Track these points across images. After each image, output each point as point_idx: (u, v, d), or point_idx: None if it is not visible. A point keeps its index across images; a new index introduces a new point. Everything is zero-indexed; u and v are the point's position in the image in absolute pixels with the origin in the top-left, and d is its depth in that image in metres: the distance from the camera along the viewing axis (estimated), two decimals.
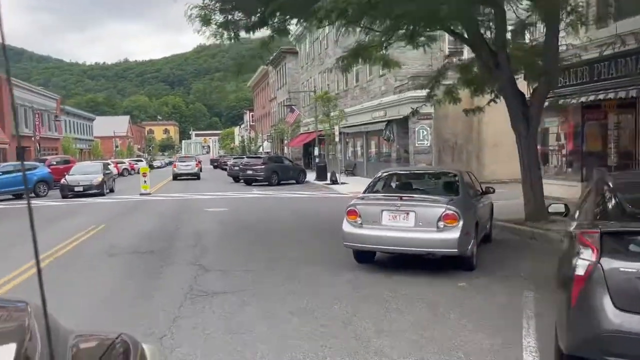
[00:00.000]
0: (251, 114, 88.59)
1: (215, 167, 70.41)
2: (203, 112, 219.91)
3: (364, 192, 9.20)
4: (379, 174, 9.91)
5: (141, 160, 62.22)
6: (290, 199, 22.24)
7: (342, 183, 28.07)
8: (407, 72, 27.37)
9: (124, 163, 51.97)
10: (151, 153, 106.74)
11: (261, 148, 68.69)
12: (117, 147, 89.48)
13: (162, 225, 14.30)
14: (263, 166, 30.11)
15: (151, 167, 71.04)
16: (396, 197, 8.22)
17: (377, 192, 9.22)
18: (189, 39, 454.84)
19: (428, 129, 25.56)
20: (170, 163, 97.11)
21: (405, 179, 10.01)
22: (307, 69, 46.73)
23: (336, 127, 27.46)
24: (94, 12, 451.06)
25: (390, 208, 7.99)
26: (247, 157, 32.39)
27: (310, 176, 33.76)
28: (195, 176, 38.64)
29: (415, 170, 10.79)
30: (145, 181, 25.10)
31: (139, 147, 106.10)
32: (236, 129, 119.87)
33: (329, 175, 32.88)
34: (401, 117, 26.24)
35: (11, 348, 1.54)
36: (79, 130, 68.18)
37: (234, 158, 37.22)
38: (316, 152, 33.26)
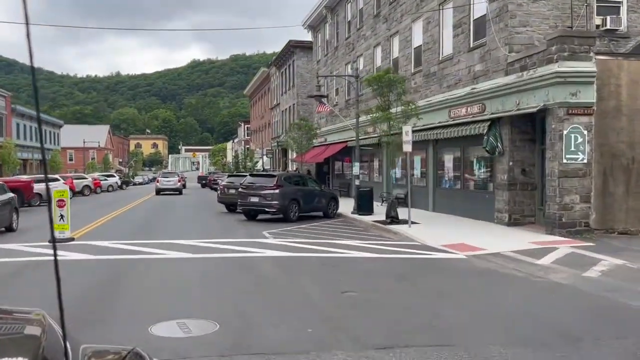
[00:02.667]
0: (246, 126, 76.67)
1: (203, 185, 58.16)
2: (194, 127, 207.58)
3: None
4: None
5: (113, 176, 49.72)
6: (353, 265, 10.17)
7: (413, 223, 16.09)
8: (531, 37, 15.74)
9: (86, 179, 39.46)
10: (133, 167, 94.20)
11: (259, 164, 56.63)
12: (93, 159, 77.00)
13: None
14: (277, 190, 18.02)
15: (126, 183, 58.47)
16: None
17: None
18: (183, 55, 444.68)
19: (585, 132, 13.73)
20: (154, 179, 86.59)
21: None
22: (327, 62, 34.97)
23: (406, 129, 15.64)
24: (90, 25, 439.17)
25: None
26: (251, 175, 20.13)
27: (342, 206, 21.67)
28: (178, 191, 39.71)
29: None
30: (62, 217, 12.85)
31: (120, 160, 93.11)
32: (229, 144, 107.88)
33: (377, 206, 21.04)
34: (532, 109, 14.41)
35: (29, 351, 1.53)
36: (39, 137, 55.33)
37: (229, 176, 24.93)
38: (356, 169, 21.18)
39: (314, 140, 33.39)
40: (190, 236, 14.25)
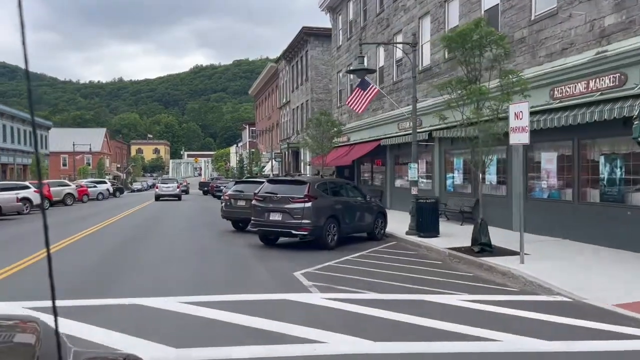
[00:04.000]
0: (251, 128, 70.91)
1: (205, 192, 52.44)
2: (197, 132, 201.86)
3: None
4: None
5: (104, 182, 43.87)
6: None
7: (525, 254, 10.23)
8: None
9: (68, 186, 33.59)
10: (131, 173, 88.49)
11: (267, 169, 50.89)
12: (88, 164, 71.23)
13: None
14: (309, 203, 12.12)
15: (120, 190, 52.50)
16: None
17: None
18: (186, 60, 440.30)
19: None
20: (154, 185, 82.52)
21: None
22: (350, 47, 29.18)
23: (518, 108, 9.89)
24: (94, 32, 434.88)
25: None
26: (270, 182, 13.83)
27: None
28: (177, 197, 40.01)
29: None
30: None
31: (119, 166, 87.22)
32: (232, 148, 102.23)
33: (444, 224, 15.42)
34: None
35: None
36: (22, 140, 49.34)
37: (236, 182, 18.77)
38: (413, 173, 15.16)
39: (335, 140, 27.51)
40: (176, 286, 8.39)
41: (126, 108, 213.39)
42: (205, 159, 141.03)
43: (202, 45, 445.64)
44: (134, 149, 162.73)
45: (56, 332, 1.23)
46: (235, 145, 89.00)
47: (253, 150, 59.70)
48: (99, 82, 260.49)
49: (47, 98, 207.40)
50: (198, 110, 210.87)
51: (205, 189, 51.93)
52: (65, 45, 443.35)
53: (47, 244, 1.11)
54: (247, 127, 71.86)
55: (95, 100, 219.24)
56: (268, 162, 53.16)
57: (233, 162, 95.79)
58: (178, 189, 40.36)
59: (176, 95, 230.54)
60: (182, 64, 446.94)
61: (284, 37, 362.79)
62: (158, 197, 39.28)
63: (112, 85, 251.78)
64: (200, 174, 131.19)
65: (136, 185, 75.80)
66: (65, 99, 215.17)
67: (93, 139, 73.03)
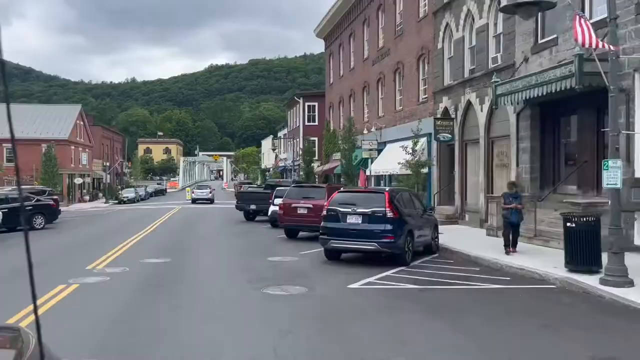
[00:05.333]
0: (308, 104, 43.60)
1: (249, 215, 24.47)
2: (213, 131, 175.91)
3: None
4: None
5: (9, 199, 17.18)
6: None
7: None
8: None
9: None
10: (128, 176, 61.69)
11: (381, 170, 23.26)
12: (50, 157, 43.91)
13: None
14: None
15: (48, 210, 25.14)
16: None
17: None
18: (202, 62, 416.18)
19: None
20: (158, 192, 65.55)
21: None
22: None
23: None
24: (120, 36, 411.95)
25: None
26: None
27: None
28: (209, 201, 44.73)
29: None
30: None
31: (107, 164, 59.79)
32: (264, 142, 75.23)
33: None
34: None
35: None
36: None
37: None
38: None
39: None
40: None
41: (138, 108, 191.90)
42: (223, 159, 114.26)
43: (226, 47, 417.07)
44: (141, 148, 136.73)
45: (39, 341, 1.19)
46: (272, 138, 61.63)
47: (326, 131, 32.33)
48: (111, 82, 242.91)
49: (57, 99, 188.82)
50: (214, 108, 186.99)
51: (253, 208, 23.27)
52: (91, 49, 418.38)
53: (27, 248, 1.09)
54: (302, 101, 43.84)
55: (107, 100, 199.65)
56: (372, 149, 25.24)
57: (267, 161, 68.69)
58: (210, 194, 45.24)
59: (190, 95, 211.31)
60: (197, 64, 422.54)
61: (305, 36, 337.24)
62: (194, 200, 44.13)
63: (124, 85, 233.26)
64: (218, 177, 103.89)
65: (127, 194, 48.50)
66: (75, 99, 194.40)
67: (55, 121, 46.00)
